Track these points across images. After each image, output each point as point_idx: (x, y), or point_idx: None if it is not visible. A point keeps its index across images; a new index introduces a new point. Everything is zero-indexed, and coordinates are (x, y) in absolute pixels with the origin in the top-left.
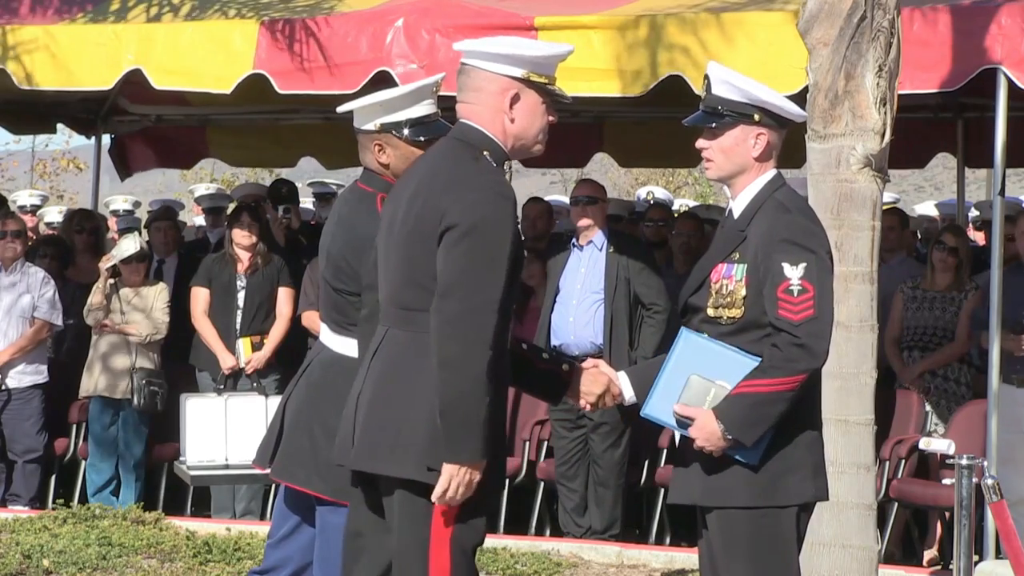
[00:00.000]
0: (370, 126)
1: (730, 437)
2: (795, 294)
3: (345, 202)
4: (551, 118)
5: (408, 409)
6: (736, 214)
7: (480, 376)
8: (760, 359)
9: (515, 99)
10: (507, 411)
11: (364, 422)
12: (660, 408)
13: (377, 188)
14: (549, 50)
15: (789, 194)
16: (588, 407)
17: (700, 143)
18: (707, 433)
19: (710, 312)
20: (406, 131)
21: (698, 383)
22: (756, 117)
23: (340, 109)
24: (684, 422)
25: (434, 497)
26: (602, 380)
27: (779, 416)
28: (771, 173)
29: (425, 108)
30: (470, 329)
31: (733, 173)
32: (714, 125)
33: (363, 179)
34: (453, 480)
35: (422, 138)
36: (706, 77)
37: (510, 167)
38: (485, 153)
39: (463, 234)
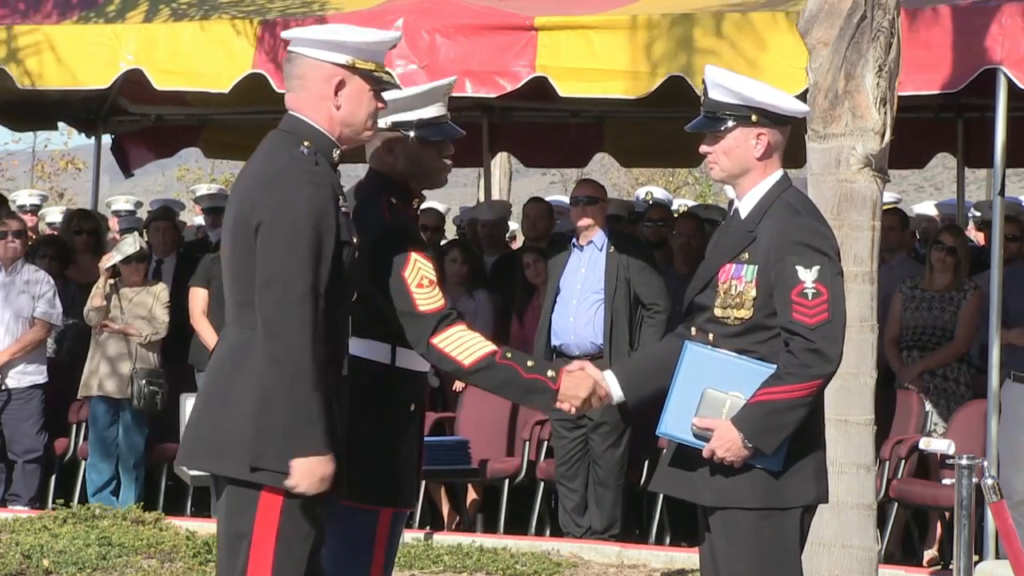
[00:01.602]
0: (380, 124)
1: (750, 446)
2: (809, 297)
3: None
4: (380, 104)
5: (230, 405)
6: (743, 214)
7: (309, 370)
8: (770, 365)
9: (340, 85)
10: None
11: (192, 419)
12: (675, 425)
13: (382, 187)
14: (374, 37)
15: (797, 195)
16: (574, 411)
17: (703, 148)
18: (727, 442)
19: (717, 312)
20: (413, 132)
21: (713, 396)
22: (753, 118)
23: None
24: (703, 435)
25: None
26: (587, 383)
27: (797, 422)
28: (778, 174)
29: (436, 110)
30: (294, 323)
31: (736, 174)
32: (714, 130)
33: (368, 178)
34: (304, 476)
35: (430, 139)
36: (704, 81)
37: (339, 155)
38: (306, 143)
39: (273, 227)
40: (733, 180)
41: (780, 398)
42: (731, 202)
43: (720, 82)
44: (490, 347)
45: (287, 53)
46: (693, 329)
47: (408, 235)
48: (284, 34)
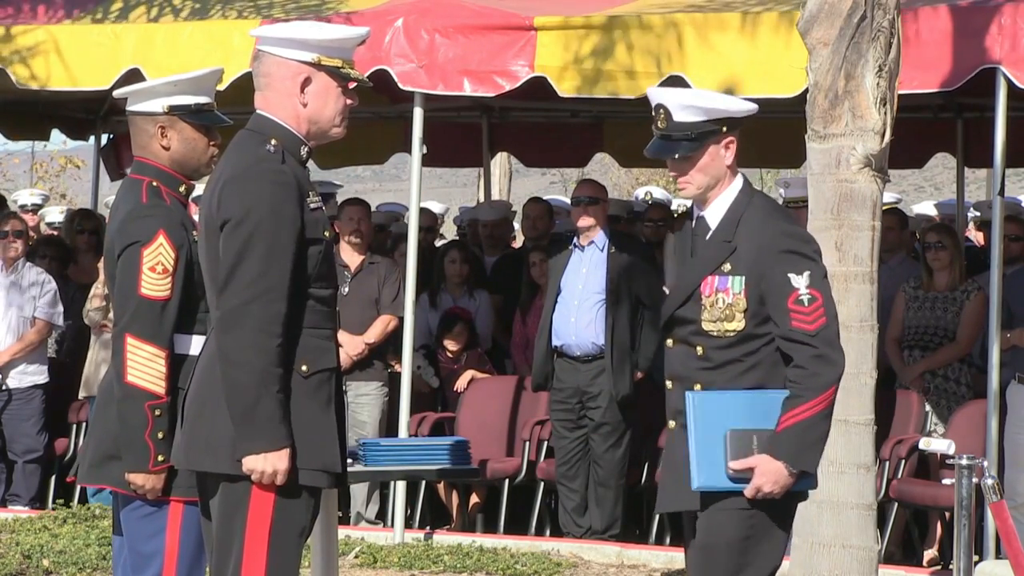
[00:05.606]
0: (156, 108)
1: (794, 471)
2: (806, 303)
3: (118, 196)
4: (349, 101)
5: (218, 404)
6: (713, 224)
7: (261, 367)
8: (778, 391)
9: (306, 83)
10: (332, 393)
11: (184, 422)
12: (709, 476)
13: (147, 175)
14: (340, 33)
15: (767, 201)
16: None
17: (680, 177)
18: (772, 475)
19: (706, 326)
20: (190, 117)
21: (737, 436)
22: (724, 129)
23: (119, 92)
24: (741, 477)
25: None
26: None
27: (826, 433)
28: (740, 180)
29: (207, 97)
30: (247, 321)
31: (711, 187)
32: (695, 150)
33: (134, 169)
34: (255, 471)
35: (203, 124)
36: (659, 107)
37: (309, 152)
38: (273, 142)
39: (235, 225)
40: (707, 194)
41: (806, 416)
42: (690, 209)
43: (685, 103)
44: (159, 387)
45: (255, 51)
46: (670, 341)
47: (161, 216)
48: (252, 32)
